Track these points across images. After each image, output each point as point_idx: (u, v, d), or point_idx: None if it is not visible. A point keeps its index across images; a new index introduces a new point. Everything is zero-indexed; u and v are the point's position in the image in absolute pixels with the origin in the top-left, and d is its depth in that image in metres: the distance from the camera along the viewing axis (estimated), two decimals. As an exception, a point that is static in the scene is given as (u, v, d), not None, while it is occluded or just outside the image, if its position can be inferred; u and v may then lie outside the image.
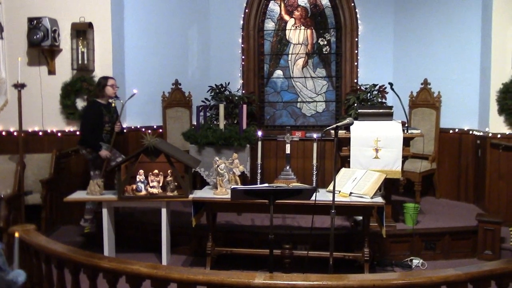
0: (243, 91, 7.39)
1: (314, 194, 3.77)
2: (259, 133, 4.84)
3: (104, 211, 5.00)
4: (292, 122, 7.57)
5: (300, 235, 5.13)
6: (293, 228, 5.37)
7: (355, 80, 7.25)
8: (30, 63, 6.44)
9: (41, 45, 6.16)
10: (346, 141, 5.16)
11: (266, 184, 3.57)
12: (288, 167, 4.86)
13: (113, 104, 5.69)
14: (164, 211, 4.97)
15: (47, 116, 6.47)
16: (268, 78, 7.64)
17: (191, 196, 4.87)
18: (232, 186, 3.42)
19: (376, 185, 4.58)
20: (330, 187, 4.72)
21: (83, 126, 5.62)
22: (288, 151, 4.87)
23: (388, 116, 5.32)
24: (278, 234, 5.13)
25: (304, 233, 5.15)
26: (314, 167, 4.75)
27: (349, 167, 5.11)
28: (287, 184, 4.65)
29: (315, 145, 4.77)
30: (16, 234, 2.90)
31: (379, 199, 4.52)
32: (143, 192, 4.95)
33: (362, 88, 6.97)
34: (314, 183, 4.73)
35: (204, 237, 5.19)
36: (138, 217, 5.81)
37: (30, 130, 6.47)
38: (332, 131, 5.32)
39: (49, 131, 6.50)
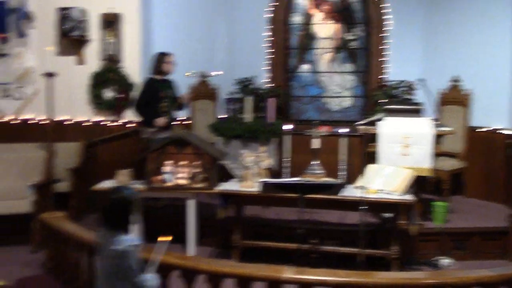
0: (269, 85, 7.36)
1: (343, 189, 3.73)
2: (289, 126, 4.81)
3: (131, 201, 5.03)
4: (318, 117, 7.50)
5: (327, 230, 5.10)
6: (320, 223, 5.33)
7: (383, 76, 7.16)
8: (60, 53, 6.51)
9: (70, 35, 6.24)
10: (373, 137, 5.10)
11: (296, 178, 3.54)
12: (315, 162, 4.83)
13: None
14: (190, 202, 4.98)
15: (75, 106, 6.55)
16: (294, 72, 7.59)
17: (218, 188, 4.87)
18: (262, 180, 3.40)
19: (405, 182, 4.52)
20: (358, 183, 4.69)
21: (136, 102, 5.61)
22: (315, 145, 4.84)
23: (417, 113, 5.24)
24: (305, 228, 5.10)
25: (330, 229, 5.12)
26: (342, 162, 4.71)
27: (376, 163, 5.05)
28: (315, 179, 4.62)
29: (343, 140, 4.72)
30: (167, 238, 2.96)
31: (408, 197, 4.46)
32: (171, 183, 4.96)
33: (390, 84, 6.88)
34: (341, 179, 4.70)
35: (230, 230, 5.20)
36: (164, 207, 5.83)
37: (59, 119, 6.54)
38: (362, 127, 5.32)
39: (77, 120, 6.57)
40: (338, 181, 3.84)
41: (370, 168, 4.80)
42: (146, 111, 5.50)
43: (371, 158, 5.18)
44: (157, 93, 5.52)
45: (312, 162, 4.83)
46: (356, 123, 4.04)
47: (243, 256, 4.88)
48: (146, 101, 5.49)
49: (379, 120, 4.32)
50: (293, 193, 3.43)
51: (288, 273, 3.12)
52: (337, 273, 3.15)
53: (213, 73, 5.55)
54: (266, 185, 3.40)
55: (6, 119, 6.70)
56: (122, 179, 5.05)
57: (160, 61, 5.56)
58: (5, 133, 6.67)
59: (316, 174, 4.73)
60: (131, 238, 2.80)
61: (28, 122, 6.67)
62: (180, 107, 5.74)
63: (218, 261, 3.25)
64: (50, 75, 5.44)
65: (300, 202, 3.39)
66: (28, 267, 4.72)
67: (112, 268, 2.73)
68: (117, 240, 2.73)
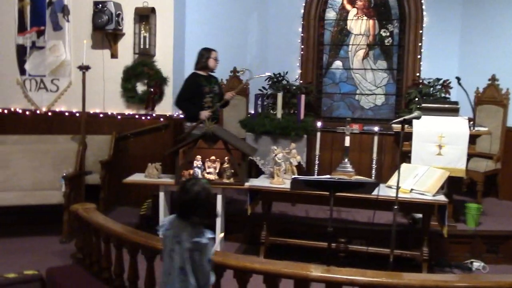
0: (301, 81, 7.30)
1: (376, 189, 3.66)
2: (319, 123, 4.75)
3: (161, 195, 5.06)
4: (349, 114, 7.42)
5: (355, 229, 5.02)
6: (348, 222, 5.26)
7: (418, 74, 7.01)
8: (94, 46, 6.59)
9: (105, 28, 6.29)
10: (408, 136, 4.99)
11: (328, 176, 3.48)
12: (346, 160, 4.76)
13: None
14: (219, 198, 4.98)
15: (108, 99, 6.62)
16: (327, 68, 7.51)
17: (247, 184, 4.85)
18: (293, 176, 3.36)
19: (439, 183, 4.41)
20: (390, 182, 4.60)
21: (178, 97, 5.59)
22: (347, 143, 4.76)
23: (454, 112, 5.11)
24: (333, 227, 5.04)
25: (359, 228, 5.03)
26: (374, 161, 4.62)
27: (409, 162, 4.95)
28: (347, 177, 4.56)
29: (375, 138, 4.63)
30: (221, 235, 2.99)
31: (442, 197, 4.35)
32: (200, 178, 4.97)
33: (424, 82, 6.72)
34: (372, 177, 4.61)
35: (257, 226, 5.18)
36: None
37: (91, 111, 6.63)
38: (396, 125, 5.21)
39: (109, 113, 6.64)
40: (370, 180, 3.75)
41: (403, 167, 4.69)
42: (188, 105, 5.51)
43: (405, 157, 5.08)
44: (201, 88, 5.51)
45: (343, 160, 4.75)
46: (392, 121, 3.91)
47: (270, 253, 4.86)
48: (189, 96, 5.49)
49: (415, 118, 4.21)
50: (324, 191, 3.37)
51: (317, 271, 3.07)
52: (366, 273, 3.07)
53: (266, 74, 5.55)
54: (297, 182, 3.35)
55: (41, 111, 6.80)
56: (151, 172, 5.08)
57: (205, 56, 5.56)
58: (40, 125, 6.80)
59: (347, 172, 4.66)
60: (210, 232, 2.74)
61: (62, 114, 6.76)
62: (224, 104, 5.74)
63: (246, 257, 3.21)
64: (84, 68, 5.50)
65: (330, 200, 3.33)
66: (58, 257, 4.80)
67: (189, 261, 2.65)
68: (197, 233, 2.66)
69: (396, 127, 5.24)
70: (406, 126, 5.01)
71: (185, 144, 4.98)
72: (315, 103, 7.33)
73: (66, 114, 6.75)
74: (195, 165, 4.98)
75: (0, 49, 6.83)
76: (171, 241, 2.73)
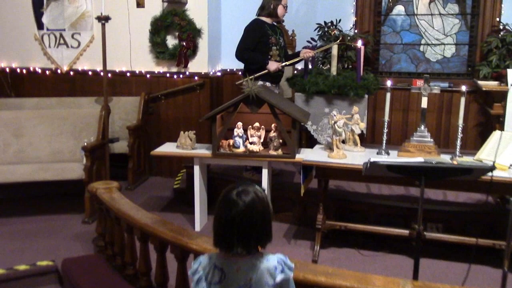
0: (356, 30, 6.26)
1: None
2: (389, 82, 3.80)
3: (196, 168, 4.27)
4: (412, 69, 6.38)
5: (430, 210, 4.11)
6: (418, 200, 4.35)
7: (498, 19, 5.85)
8: (118, -5, 5.73)
9: (129, -27, 5.41)
10: (499, 95, 4.00)
11: (420, 159, 2.54)
12: (423, 127, 3.82)
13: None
14: (265, 172, 4.15)
15: (135, 55, 5.81)
16: (386, 15, 6.41)
17: (298, 157, 4.00)
18: (372, 159, 2.46)
19: (546, 156, 3.44)
20: (480, 155, 3.65)
21: (239, 46, 4.66)
22: (424, 104, 3.81)
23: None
24: (400, 208, 4.17)
25: (434, 209, 4.13)
26: (460, 129, 3.66)
27: (501, 129, 3.97)
28: (424, 151, 3.64)
29: (462, 100, 3.65)
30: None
31: (552, 176, 3.38)
32: (241, 149, 4.14)
33: (508, 28, 5.60)
34: (457, 150, 3.67)
35: (309, 204, 4.36)
36: (232, 175, 5.04)
37: (117, 70, 5.86)
38: (482, 82, 4.23)
39: (137, 71, 5.84)
40: (483, 163, 2.77)
41: (496, 136, 3.72)
42: (255, 55, 4.63)
43: (495, 122, 4.10)
44: (266, 38, 4.65)
45: (419, 128, 3.81)
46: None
47: (326, 238, 4.05)
48: (253, 45, 4.62)
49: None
50: (413, 177, 2.49)
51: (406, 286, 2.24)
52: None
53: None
54: (376, 166, 2.46)
55: (62, 70, 6.05)
56: (184, 142, 4.29)
57: (274, 1, 4.67)
58: (61, 86, 6.08)
59: (426, 143, 3.73)
60: (283, 257, 1.86)
61: (85, 73, 6.00)
62: (295, 62, 4.88)
63: (307, 265, 2.39)
64: (104, 19, 4.68)
65: (421, 192, 2.45)
66: (79, 241, 4.13)
67: None
68: (271, 265, 1.81)
69: (484, 84, 4.27)
70: (497, 83, 4.06)
71: (224, 108, 4.13)
72: (372, 55, 6.31)
73: (90, 73, 5.98)
74: (235, 133, 4.15)
75: (14, 0, 6.05)
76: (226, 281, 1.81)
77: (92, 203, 4.31)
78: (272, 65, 4.57)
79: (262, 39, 4.62)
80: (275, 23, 4.83)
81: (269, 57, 4.64)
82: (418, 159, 2.51)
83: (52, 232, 4.33)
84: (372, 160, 2.45)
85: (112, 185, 3.69)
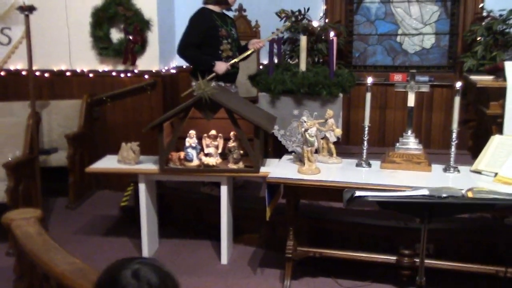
0: (327, 20, 5.63)
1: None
2: (370, 79, 3.18)
3: (141, 187, 3.57)
4: (389, 62, 5.80)
5: (418, 229, 3.49)
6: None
7: (481, 5, 5.31)
8: (52, -18, 4.95)
9: (63, -44, 4.65)
10: (496, 93, 3.42)
11: (425, 192, 1.86)
12: (409, 132, 3.21)
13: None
14: (224, 189, 3.49)
15: (75, 52, 5.05)
16: (359, 2, 5.80)
17: (263, 170, 3.36)
18: (357, 193, 1.79)
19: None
20: (478, 166, 3.07)
21: (181, 42, 3.93)
22: (411, 103, 3.20)
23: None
24: (386, 227, 3.55)
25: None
26: (454, 134, 3.07)
27: (499, 133, 3.40)
28: (412, 162, 3.03)
29: (457, 99, 3.04)
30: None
31: None
32: (195, 162, 3.46)
33: (493, 15, 5.06)
34: (452, 158, 3.07)
35: (278, 223, 3.69)
36: (188, 190, 4.34)
37: (55, 69, 5.10)
38: (476, 77, 3.66)
39: (78, 70, 5.08)
40: (508, 194, 2.13)
41: (495, 141, 3.14)
42: (198, 54, 3.92)
43: (491, 123, 3.53)
44: (215, 30, 3.91)
45: (405, 133, 3.20)
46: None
47: (299, 265, 3.41)
48: (199, 40, 3.88)
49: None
50: (412, 214, 1.85)
51: None
52: None
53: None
54: (362, 200, 1.80)
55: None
56: (126, 155, 3.58)
57: None
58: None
59: (413, 150, 3.12)
60: None
61: (19, 74, 5.21)
62: (246, 57, 4.08)
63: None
64: (27, 9, 3.93)
65: (423, 235, 1.83)
66: None
67: None
68: None
69: (478, 80, 3.69)
70: (492, 78, 3.49)
71: (172, 114, 3.43)
72: (345, 48, 5.69)
73: (23, 73, 5.19)
74: (187, 144, 3.46)
75: None
76: None
77: (13, 238, 3.56)
78: (220, 66, 3.86)
79: (210, 32, 3.90)
80: (224, 12, 4.12)
81: (220, 52, 3.94)
82: (421, 191, 1.87)
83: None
84: (357, 194, 1.81)
85: (33, 215, 2.95)
